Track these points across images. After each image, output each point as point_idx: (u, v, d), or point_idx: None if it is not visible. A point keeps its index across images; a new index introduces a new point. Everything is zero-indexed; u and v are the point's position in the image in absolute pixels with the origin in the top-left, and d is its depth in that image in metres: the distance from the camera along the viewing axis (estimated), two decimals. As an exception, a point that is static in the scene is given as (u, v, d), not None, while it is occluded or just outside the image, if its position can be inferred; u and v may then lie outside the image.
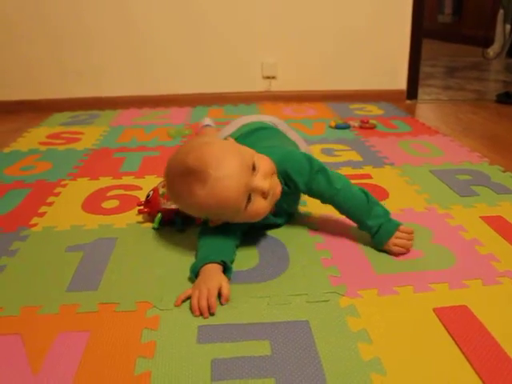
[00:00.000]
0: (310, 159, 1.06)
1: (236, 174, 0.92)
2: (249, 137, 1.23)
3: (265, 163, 0.99)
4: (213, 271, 0.93)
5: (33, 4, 2.33)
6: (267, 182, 0.97)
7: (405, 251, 1.03)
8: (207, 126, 1.75)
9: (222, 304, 0.89)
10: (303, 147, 1.36)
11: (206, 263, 0.95)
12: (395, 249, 1.03)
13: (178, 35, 2.44)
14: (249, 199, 0.96)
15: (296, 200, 1.20)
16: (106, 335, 0.82)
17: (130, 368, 0.74)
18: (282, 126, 1.41)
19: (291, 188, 1.07)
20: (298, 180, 1.04)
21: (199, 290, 0.89)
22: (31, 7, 2.33)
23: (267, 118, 1.43)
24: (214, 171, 0.91)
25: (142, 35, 2.44)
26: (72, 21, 2.38)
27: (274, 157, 1.03)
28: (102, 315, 0.87)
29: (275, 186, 1.01)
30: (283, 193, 1.04)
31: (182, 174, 0.95)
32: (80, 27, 2.39)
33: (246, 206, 0.96)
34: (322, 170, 1.05)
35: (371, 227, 1.05)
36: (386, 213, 1.06)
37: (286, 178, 1.05)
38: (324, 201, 1.08)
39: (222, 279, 0.91)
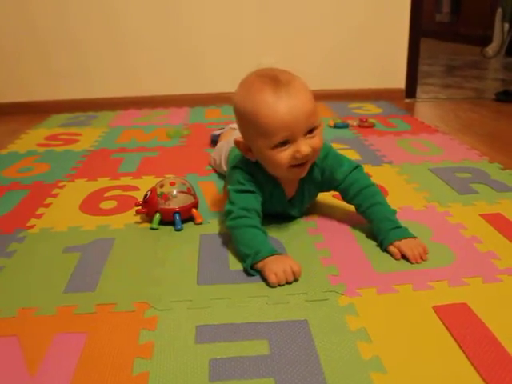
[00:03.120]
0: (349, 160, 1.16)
1: (304, 110, 0.96)
2: None
3: (319, 142, 1.02)
4: (278, 257, 0.96)
5: (27, 8, 2.33)
6: (308, 151, 0.98)
7: (417, 256, 1.00)
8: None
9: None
10: None
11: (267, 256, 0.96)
12: (409, 251, 1.00)
13: (175, 36, 2.44)
14: (283, 144, 0.97)
15: (316, 193, 1.21)
16: (103, 336, 0.81)
17: (127, 369, 0.73)
18: None
19: (324, 177, 1.13)
20: (337, 170, 1.12)
21: (279, 269, 0.93)
22: (26, 12, 2.33)
23: None
24: (294, 91, 0.96)
25: (138, 36, 2.43)
26: (67, 24, 2.38)
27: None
28: (99, 316, 0.86)
29: (304, 169, 1.04)
30: (313, 181, 1.11)
31: (265, 76, 0.99)
32: (75, 30, 2.39)
33: (276, 147, 0.98)
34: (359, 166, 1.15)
35: (396, 221, 1.07)
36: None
37: (324, 167, 1.11)
38: (353, 191, 1.11)
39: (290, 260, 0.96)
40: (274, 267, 0.93)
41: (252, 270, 0.96)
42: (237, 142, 1.06)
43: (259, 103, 0.96)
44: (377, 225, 1.07)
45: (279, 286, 0.92)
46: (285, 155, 0.98)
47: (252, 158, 1.06)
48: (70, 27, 2.39)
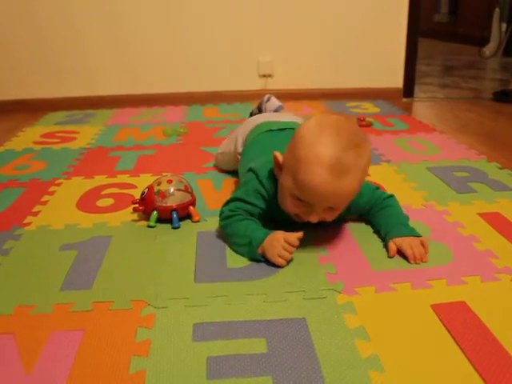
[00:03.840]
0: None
1: (340, 197, 0.94)
2: None
3: (331, 218, 1.02)
4: (272, 237, 0.99)
5: (24, 6, 2.32)
6: (315, 221, 0.99)
7: (417, 256, 0.99)
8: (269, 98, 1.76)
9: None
10: None
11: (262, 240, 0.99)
12: (409, 250, 1.00)
13: (172, 34, 2.44)
14: (301, 200, 0.96)
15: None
16: (100, 334, 0.80)
17: (124, 367, 0.73)
18: None
19: (349, 210, 1.09)
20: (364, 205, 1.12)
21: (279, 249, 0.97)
22: (22, 9, 2.33)
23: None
24: (347, 178, 0.91)
25: (135, 34, 2.43)
26: (63, 21, 2.37)
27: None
28: (96, 314, 0.86)
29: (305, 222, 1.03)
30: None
31: (339, 136, 0.92)
32: (71, 27, 2.39)
33: (294, 196, 0.97)
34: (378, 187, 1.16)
35: (404, 220, 1.08)
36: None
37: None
38: (377, 207, 1.12)
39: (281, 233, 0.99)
40: (275, 250, 0.97)
41: (257, 255, 1.00)
42: (276, 156, 1.02)
43: (310, 155, 0.91)
44: (384, 221, 1.08)
45: (287, 263, 0.98)
46: (296, 206, 0.98)
47: (277, 175, 1.04)
48: (71, 26, 2.38)
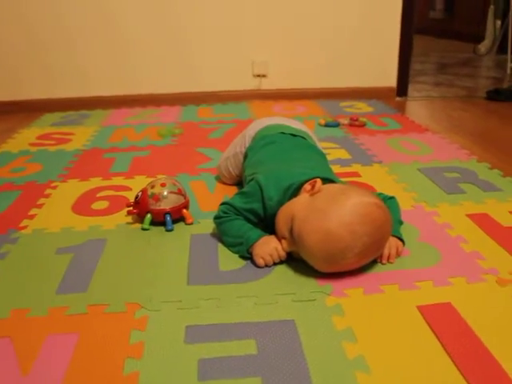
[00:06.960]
0: None
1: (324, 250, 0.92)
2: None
3: None
4: (265, 239, 1.04)
5: (17, 7, 2.33)
6: (285, 247, 1.00)
7: (384, 256, 1.01)
8: None
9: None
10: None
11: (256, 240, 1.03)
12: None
13: (167, 34, 2.45)
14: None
15: None
16: (94, 337, 0.82)
17: (118, 368, 0.75)
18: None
19: None
20: None
21: (265, 253, 1.00)
22: (15, 10, 2.33)
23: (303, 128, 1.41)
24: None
25: (130, 35, 2.44)
26: (57, 22, 2.38)
27: None
28: (91, 317, 0.88)
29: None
30: None
31: (359, 241, 0.91)
32: (65, 28, 2.40)
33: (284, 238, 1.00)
34: None
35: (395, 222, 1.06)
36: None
37: None
38: None
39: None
40: (260, 252, 1.01)
41: (248, 253, 1.04)
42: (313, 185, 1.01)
43: (325, 235, 0.90)
44: None
45: (267, 266, 1.01)
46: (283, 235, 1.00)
47: (309, 191, 1.00)
48: (65, 26, 2.39)
